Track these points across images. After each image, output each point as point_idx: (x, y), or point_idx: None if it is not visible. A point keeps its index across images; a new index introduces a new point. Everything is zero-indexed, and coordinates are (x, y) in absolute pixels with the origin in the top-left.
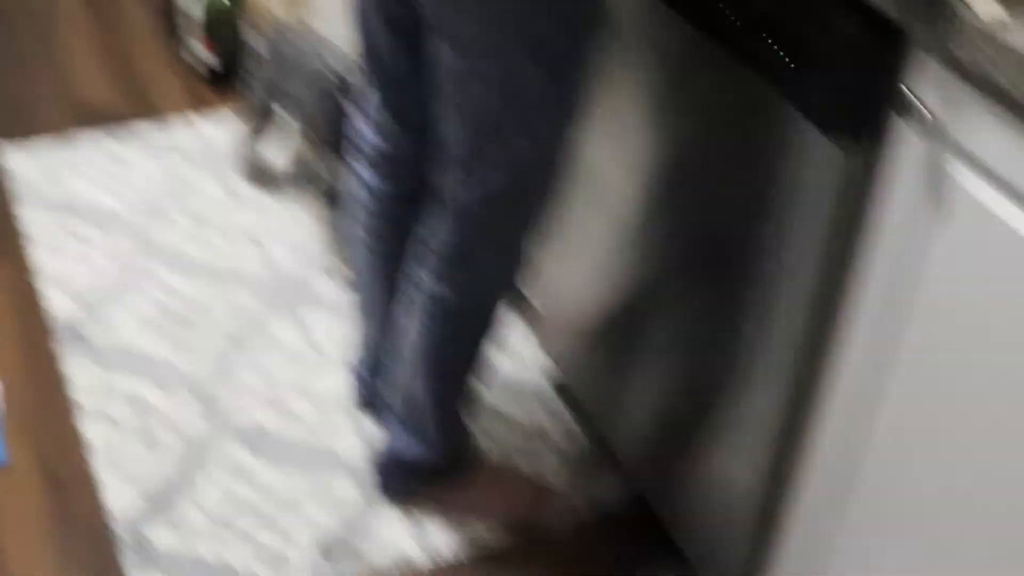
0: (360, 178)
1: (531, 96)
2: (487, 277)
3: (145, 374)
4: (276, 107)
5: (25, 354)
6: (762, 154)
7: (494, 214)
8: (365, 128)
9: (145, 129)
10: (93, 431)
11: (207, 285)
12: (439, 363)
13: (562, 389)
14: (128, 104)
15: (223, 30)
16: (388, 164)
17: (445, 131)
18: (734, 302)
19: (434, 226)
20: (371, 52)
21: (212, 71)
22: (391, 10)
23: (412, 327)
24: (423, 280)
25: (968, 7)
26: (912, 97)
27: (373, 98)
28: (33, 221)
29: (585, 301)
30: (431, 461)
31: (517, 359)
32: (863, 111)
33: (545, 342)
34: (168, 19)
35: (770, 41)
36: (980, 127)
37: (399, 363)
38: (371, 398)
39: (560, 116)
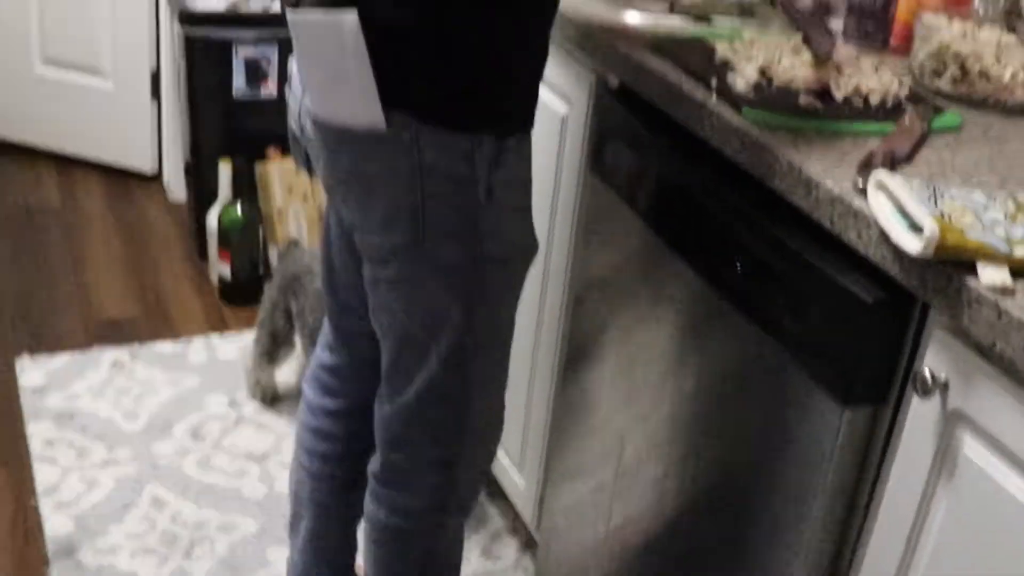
0: (304, 395)
1: (439, 317)
2: (416, 497)
3: None
4: (284, 324)
5: (17, 572)
6: (769, 407)
7: (409, 429)
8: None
9: (162, 347)
10: None
11: (206, 507)
12: None
13: None
14: (149, 322)
15: (237, 241)
16: (327, 377)
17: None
18: (734, 551)
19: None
20: (328, 264)
21: (223, 282)
22: (346, 228)
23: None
24: (368, 505)
25: (978, 278)
26: (924, 368)
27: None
28: (42, 438)
29: (585, 536)
30: None
31: None
32: (872, 379)
33: (542, 571)
34: (197, 238)
35: (779, 301)
36: (988, 398)
37: None
38: None
39: (474, 343)
